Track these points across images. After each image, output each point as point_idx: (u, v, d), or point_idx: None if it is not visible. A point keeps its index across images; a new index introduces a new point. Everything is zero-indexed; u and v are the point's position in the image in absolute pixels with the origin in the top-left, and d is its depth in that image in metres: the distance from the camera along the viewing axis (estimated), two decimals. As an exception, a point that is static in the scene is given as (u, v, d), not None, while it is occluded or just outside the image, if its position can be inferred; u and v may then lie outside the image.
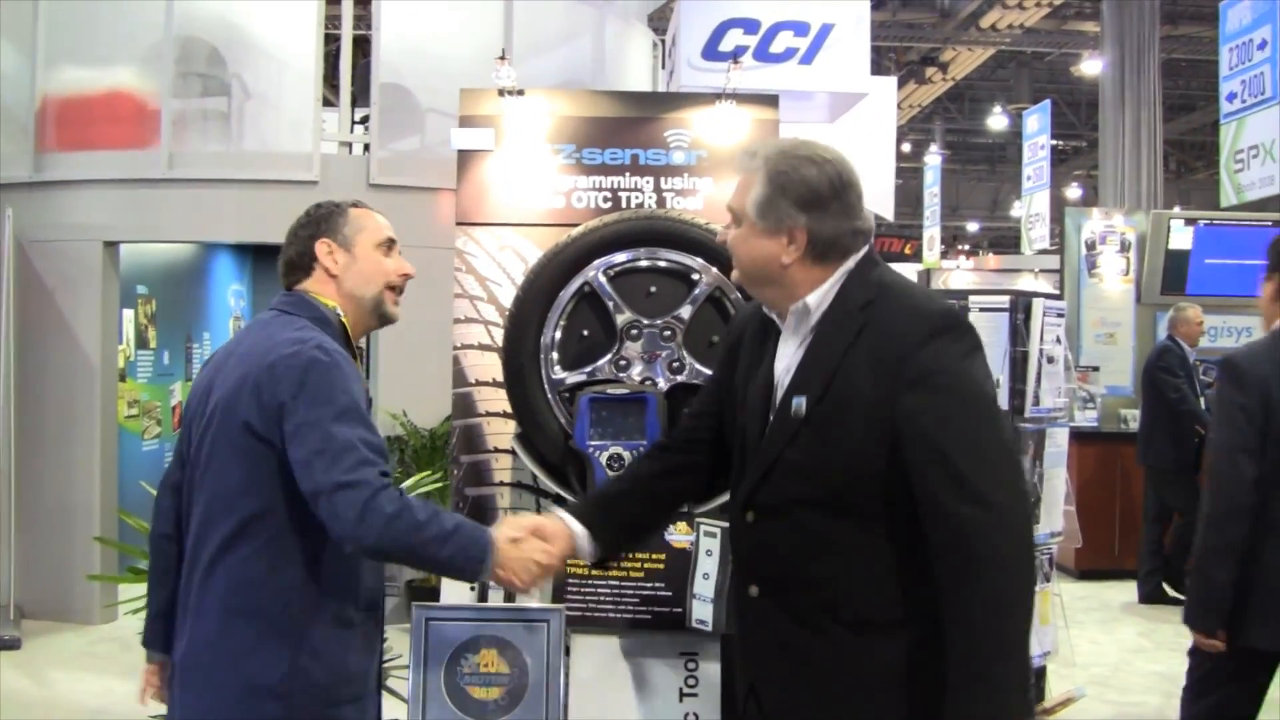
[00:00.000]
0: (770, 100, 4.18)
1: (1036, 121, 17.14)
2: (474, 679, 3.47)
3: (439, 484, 5.53)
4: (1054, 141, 18.59)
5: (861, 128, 9.82)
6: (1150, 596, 9.03)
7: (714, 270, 3.81)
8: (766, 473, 2.45)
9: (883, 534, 2.35)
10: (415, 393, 7.53)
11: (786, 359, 2.51)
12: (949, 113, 28.57)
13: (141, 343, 9.17)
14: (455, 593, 3.76)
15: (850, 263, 2.48)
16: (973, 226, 34.87)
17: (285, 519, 2.64)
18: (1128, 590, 9.34)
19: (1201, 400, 8.83)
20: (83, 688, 6.52)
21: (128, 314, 8.78)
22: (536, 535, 2.71)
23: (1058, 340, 4.31)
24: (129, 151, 8.17)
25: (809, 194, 2.42)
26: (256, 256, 11.36)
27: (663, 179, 4.12)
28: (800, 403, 2.40)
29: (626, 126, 4.16)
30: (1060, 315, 4.33)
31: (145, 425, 9.29)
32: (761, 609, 2.50)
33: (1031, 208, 16.70)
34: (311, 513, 2.59)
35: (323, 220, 2.89)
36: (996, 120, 25.35)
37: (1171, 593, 9.03)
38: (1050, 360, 4.26)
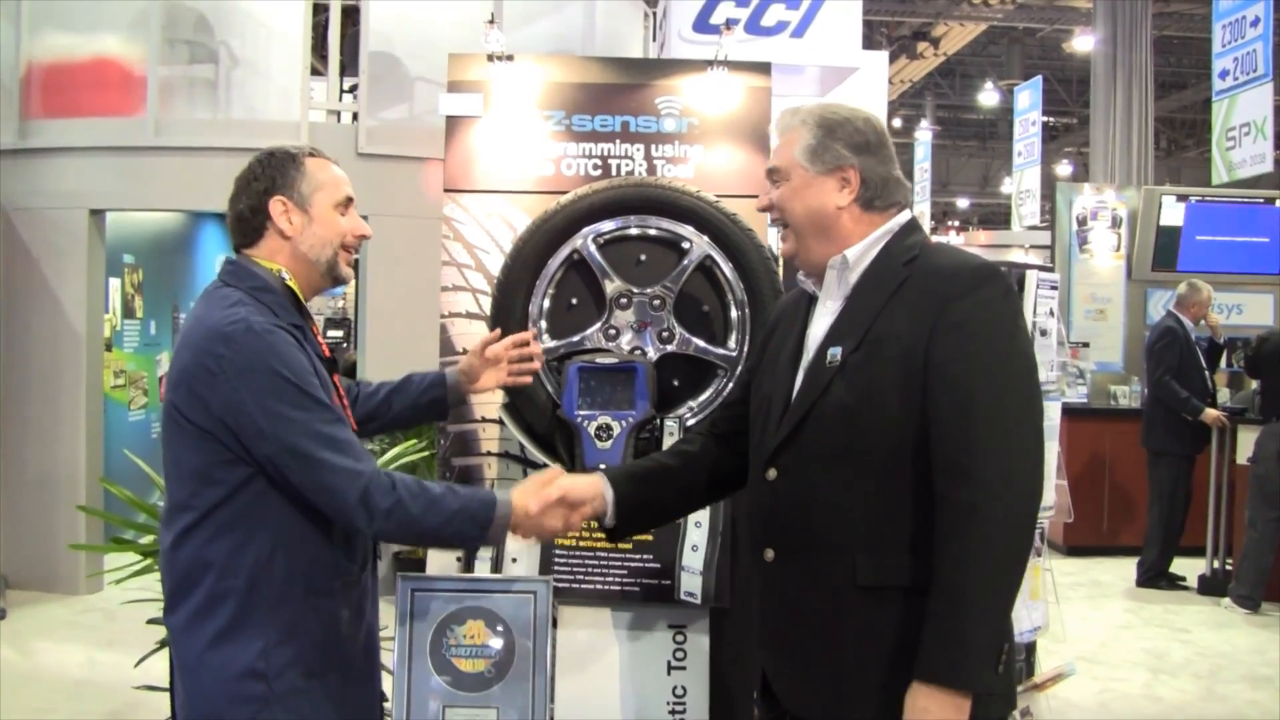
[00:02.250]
0: (763, 68, 4.12)
1: (1028, 97, 17.10)
2: (460, 651, 3.43)
3: (424, 453, 5.50)
4: (1045, 118, 18.54)
5: (853, 102, 9.74)
6: (1151, 582, 9.01)
7: (705, 238, 3.77)
8: (797, 426, 2.44)
9: (907, 495, 2.33)
10: (400, 361, 7.31)
11: (823, 321, 2.52)
12: (940, 88, 28.52)
13: (128, 312, 9.13)
14: (441, 563, 3.72)
15: (893, 223, 2.52)
16: (963, 203, 34.85)
17: (244, 503, 2.56)
18: (1116, 567, 9.38)
19: (1208, 377, 8.81)
20: (68, 658, 6.49)
21: (114, 283, 8.74)
22: (566, 500, 2.72)
23: (1050, 313, 4.28)
24: (115, 119, 8.11)
25: (858, 136, 2.51)
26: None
27: (653, 146, 4.07)
28: (836, 353, 2.42)
29: (617, 93, 4.10)
30: (1053, 288, 4.30)
31: (131, 395, 9.26)
32: (776, 574, 2.49)
33: (1022, 184, 16.68)
34: (273, 489, 2.54)
35: (277, 173, 2.72)
36: (987, 96, 25.32)
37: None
38: (1043, 333, 4.23)
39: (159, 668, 4.39)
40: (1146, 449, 9.03)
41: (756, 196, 3.94)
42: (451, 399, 3.33)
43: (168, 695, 4.18)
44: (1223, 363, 9.71)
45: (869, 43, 18.33)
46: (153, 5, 7.99)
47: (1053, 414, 4.30)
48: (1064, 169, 29.18)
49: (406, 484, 2.58)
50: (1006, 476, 2.23)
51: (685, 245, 3.79)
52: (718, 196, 3.82)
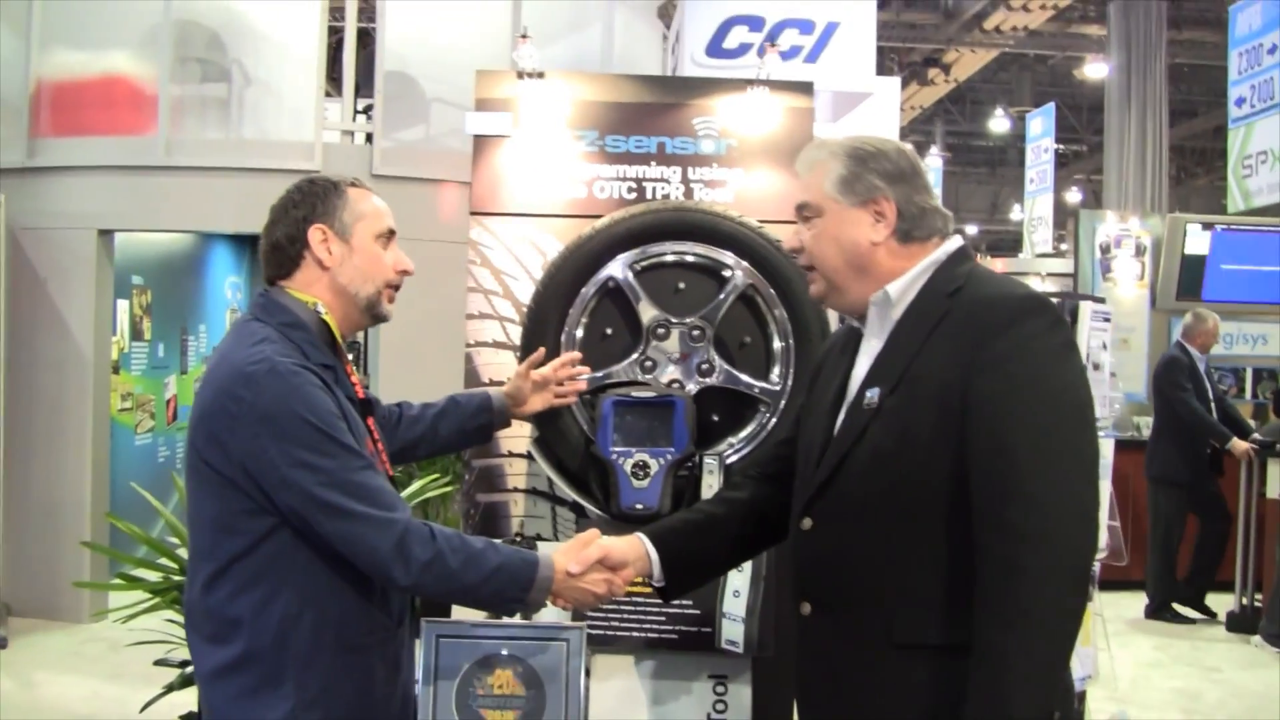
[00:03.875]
0: (804, 88, 3.97)
1: (1040, 124, 17.07)
2: (488, 701, 3.25)
3: (446, 488, 5.32)
4: (1056, 145, 18.45)
5: (865, 128, 9.67)
6: (1158, 613, 8.83)
7: (748, 266, 3.60)
8: (833, 473, 2.29)
9: (943, 548, 2.17)
10: (416, 392, 7.22)
11: (865, 361, 2.36)
12: (950, 114, 28.42)
13: (136, 334, 9.00)
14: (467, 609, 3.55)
15: (939, 253, 2.35)
16: (972, 229, 34.75)
17: (268, 555, 2.40)
18: (1140, 602, 9.17)
19: (1213, 408, 8.67)
20: (70, 691, 6.33)
21: (122, 305, 8.61)
22: (605, 562, 2.59)
23: (1104, 346, 4.11)
24: (125, 138, 7.99)
25: (891, 166, 2.36)
26: (254, 248, 11.12)
27: (690, 169, 3.90)
28: (874, 394, 2.26)
29: (652, 113, 3.94)
30: (1106, 320, 4.13)
31: (139, 419, 9.11)
32: (812, 629, 2.35)
33: (1034, 211, 16.62)
34: (299, 541, 2.38)
35: (318, 200, 2.57)
36: (998, 123, 25.21)
37: (1184, 612, 8.85)
38: (1096, 367, 4.05)
39: (164, 711, 4.21)
40: (1148, 477, 8.84)
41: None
42: (498, 423, 3.24)
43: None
44: (1247, 394, 9.56)
45: (880, 69, 18.21)
46: (165, 23, 7.86)
47: (1106, 451, 4.14)
48: (1074, 196, 29.09)
49: (446, 536, 2.42)
50: (1052, 530, 2.04)
51: (726, 273, 3.62)
52: (760, 222, 3.65)
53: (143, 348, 9.16)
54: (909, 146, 2.41)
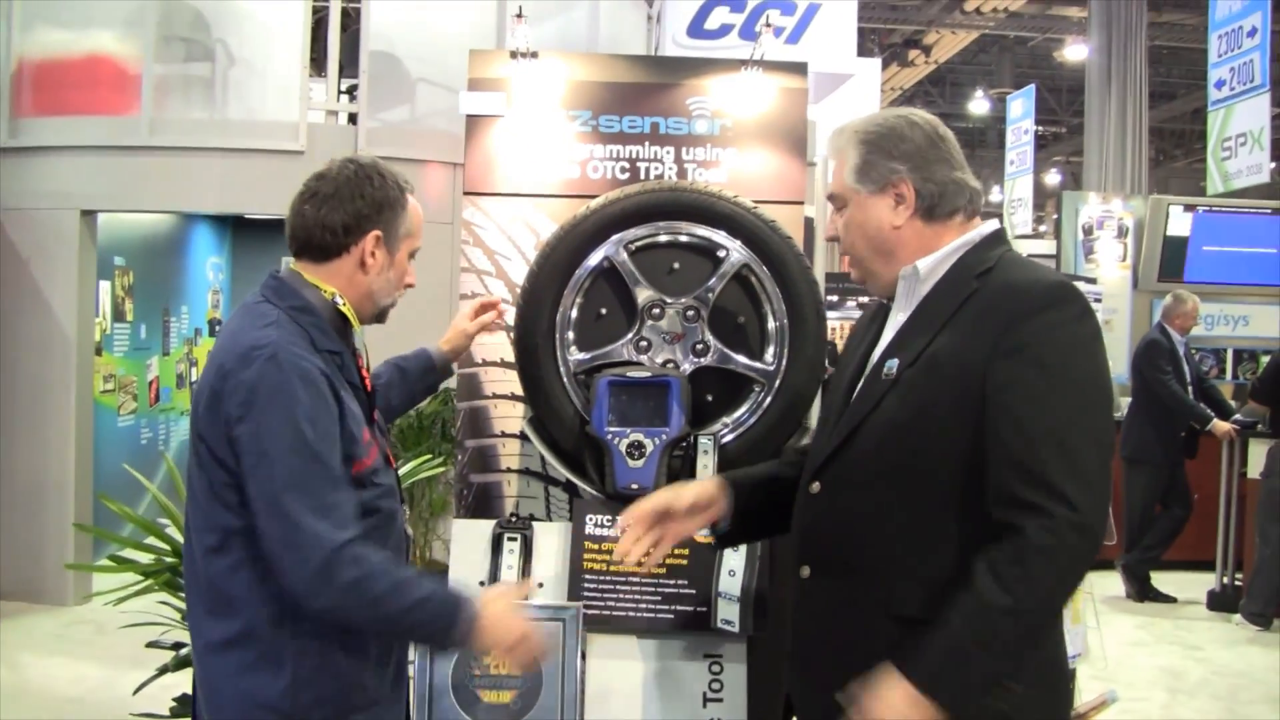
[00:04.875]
0: (798, 68, 3.96)
1: (1021, 106, 17.09)
2: (484, 681, 3.26)
3: (439, 468, 5.31)
4: (1036, 127, 18.48)
5: (845, 110, 9.68)
6: (1144, 594, 8.88)
7: (742, 246, 3.59)
8: (845, 440, 2.30)
9: (949, 527, 2.18)
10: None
11: (891, 331, 2.37)
12: (930, 96, 28.40)
13: (118, 315, 8.93)
14: (464, 585, 3.55)
15: (973, 234, 2.34)
16: (951, 211, 34.77)
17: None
18: (1119, 581, 9.22)
19: (1191, 390, 8.71)
20: (57, 673, 6.28)
21: (104, 286, 8.54)
22: (695, 507, 2.54)
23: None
24: (108, 117, 7.90)
25: (906, 145, 2.33)
26: (236, 229, 11.14)
27: (684, 149, 3.90)
28: (893, 365, 2.27)
29: (646, 93, 3.93)
30: (1098, 300, 4.14)
31: (121, 400, 9.06)
32: (810, 592, 2.36)
33: (1014, 192, 16.64)
34: None
35: (387, 207, 2.55)
36: (978, 104, 25.23)
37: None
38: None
39: (156, 693, 4.19)
40: (1122, 457, 8.89)
41: (792, 202, 3.86)
42: (443, 379, 3.37)
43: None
44: (1228, 375, 9.60)
45: (861, 50, 18.21)
46: (148, 2, 7.78)
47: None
48: (1053, 178, 29.15)
49: (381, 561, 2.36)
50: (1070, 513, 2.05)
51: (721, 253, 3.62)
52: (754, 202, 3.65)
53: (125, 329, 9.09)
54: (925, 117, 2.37)
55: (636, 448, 3.47)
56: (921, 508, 2.20)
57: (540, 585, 3.56)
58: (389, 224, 2.56)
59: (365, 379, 2.62)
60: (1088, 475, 2.09)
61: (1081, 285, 4.09)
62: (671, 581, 3.54)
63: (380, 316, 2.68)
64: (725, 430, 3.59)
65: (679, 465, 3.50)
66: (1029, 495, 2.06)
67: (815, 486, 2.37)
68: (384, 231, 2.55)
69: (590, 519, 3.63)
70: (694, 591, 3.54)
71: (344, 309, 2.55)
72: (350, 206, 2.52)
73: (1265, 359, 8.77)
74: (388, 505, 2.57)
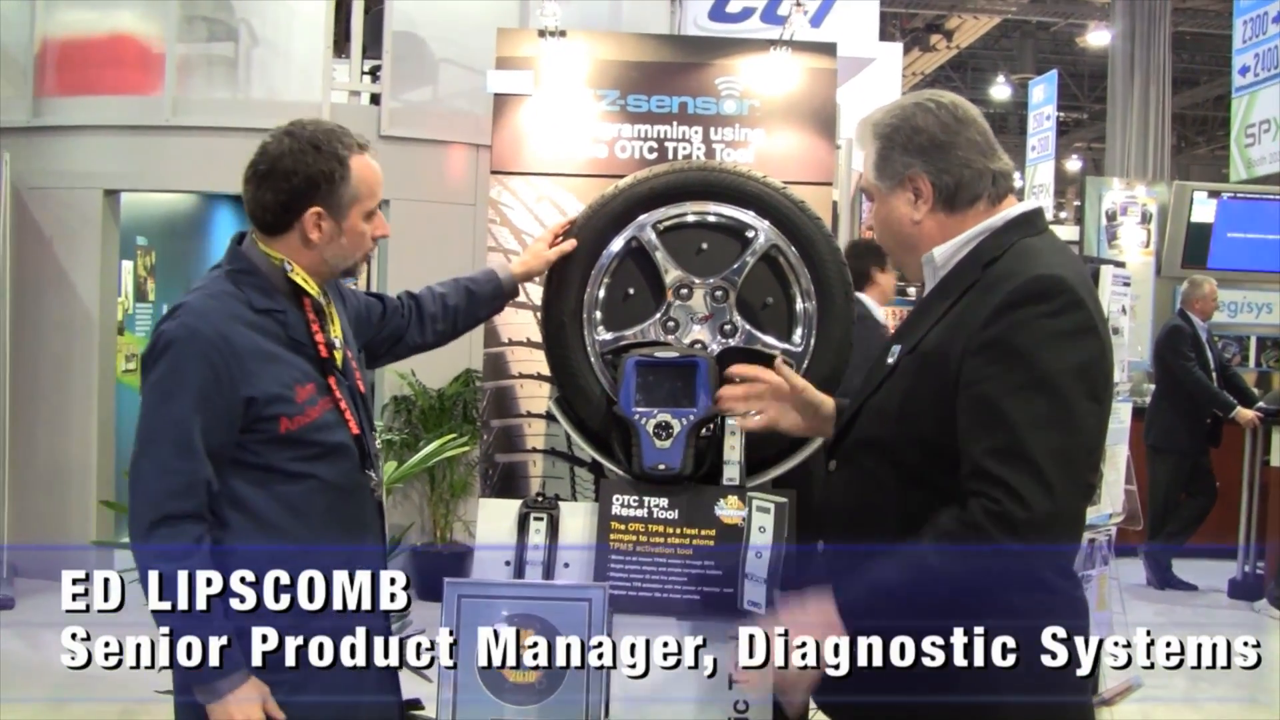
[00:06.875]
0: (827, 49, 3.93)
1: (1043, 91, 16.98)
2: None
3: (463, 448, 5.30)
4: (1058, 113, 18.40)
5: (867, 94, 9.66)
6: (1165, 581, 8.84)
7: (771, 227, 3.57)
8: (849, 422, 2.37)
9: (937, 505, 2.15)
10: (426, 360, 7.25)
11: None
12: (951, 81, 28.26)
13: (140, 295, 8.94)
14: (489, 568, 3.54)
15: (996, 219, 2.30)
16: (971, 197, 34.69)
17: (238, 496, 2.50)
18: (1137, 567, 9.19)
19: (1215, 376, 8.66)
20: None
21: (126, 265, 8.56)
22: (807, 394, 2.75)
23: (1124, 310, 4.10)
24: (131, 97, 7.97)
25: (921, 138, 2.29)
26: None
27: (713, 129, 3.88)
28: (896, 352, 2.30)
29: (674, 72, 3.91)
30: (1126, 284, 4.12)
31: (142, 380, 9.08)
32: (828, 567, 2.41)
33: (1035, 178, 16.55)
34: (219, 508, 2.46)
35: (323, 181, 2.50)
36: (999, 90, 25.12)
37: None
38: (1116, 332, 4.04)
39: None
40: (1147, 445, 8.84)
41: (820, 183, 3.84)
42: (510, 299, 3.43)
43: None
44: (1251, 362, 9.56)
45: (882, 34, 18.15)
46: (171, -19, 7.80)
47: (1123, 416, 4.13)
48: (1073, 164, 29.03)
49: (203, 560, 2.42)
50: (1016, 507, 2.01)
51: (750, 234, 3.59)
52: (783, 183, 3.63)
53: (147, 309, 9.10)
54: (945, 100, 2.33)
55: (664, 428, 3.44)
56: (910, 491, 2.23)
57: (566, 565, 3.55)
58: (328, 197, 2.53)
59: (320, 346, 2.61)
60: (1053, 477, 2.03)
61: (1109, 269, 4.07)
62: (699, 563, 3.53)
63: (349, 273, 2.70)
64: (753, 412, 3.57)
65: (706, 446, 3.49)
66: (977, 485, 2.06)
67: (832, 465, 2.43)
68: (324, 206, 2.52)
69: (617, 499, 3.61)
70: (720, 572, 3.52)
71: (293, 276, 2.55)
72: (284, 185, 2.51)
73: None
74: (331, 471, 2.58)
